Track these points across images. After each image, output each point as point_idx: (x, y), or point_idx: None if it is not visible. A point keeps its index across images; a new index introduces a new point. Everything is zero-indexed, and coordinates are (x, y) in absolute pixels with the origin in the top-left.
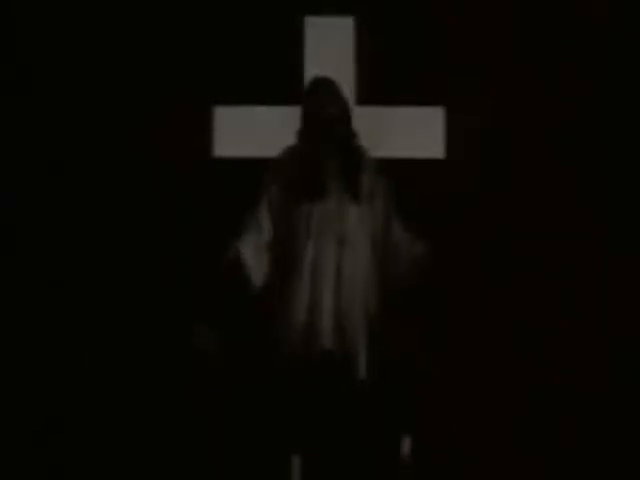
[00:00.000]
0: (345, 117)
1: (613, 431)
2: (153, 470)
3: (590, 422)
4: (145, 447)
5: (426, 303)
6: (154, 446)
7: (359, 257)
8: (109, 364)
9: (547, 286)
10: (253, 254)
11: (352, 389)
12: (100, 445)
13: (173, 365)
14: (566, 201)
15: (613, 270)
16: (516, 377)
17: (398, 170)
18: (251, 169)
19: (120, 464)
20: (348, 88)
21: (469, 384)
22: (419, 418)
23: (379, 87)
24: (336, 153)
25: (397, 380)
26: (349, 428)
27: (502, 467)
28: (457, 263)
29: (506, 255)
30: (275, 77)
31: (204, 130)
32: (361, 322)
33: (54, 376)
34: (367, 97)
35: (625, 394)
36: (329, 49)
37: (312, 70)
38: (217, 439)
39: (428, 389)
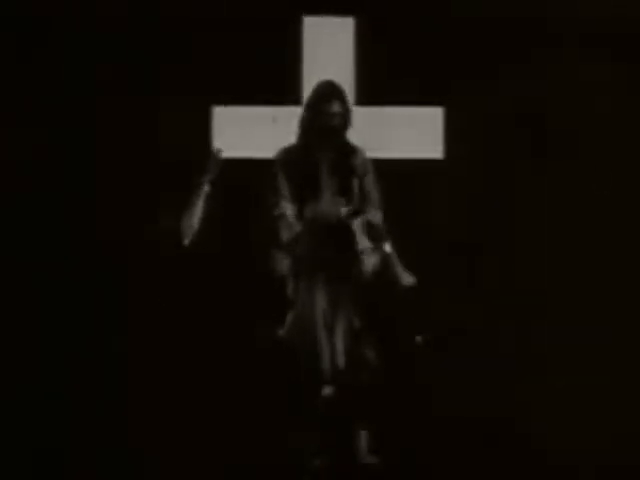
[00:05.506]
0: (347, 125)
1: None
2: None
3: None
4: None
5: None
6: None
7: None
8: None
9: (546, 284)
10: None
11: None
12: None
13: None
14: (565, 201)
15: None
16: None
17: (398, 170)
18: (250, 169)
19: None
20: (348, 88)
21: None
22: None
23: (379, 87)
24: (332, 155)
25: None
26: None
27: None
28: (456, 261)
29: (505, 253)
30: (274, 77)
31: (203, 130)
32: None
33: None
34: (367, 97)
35: None
36: (329, 49)
37: (311, 70)
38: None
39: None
